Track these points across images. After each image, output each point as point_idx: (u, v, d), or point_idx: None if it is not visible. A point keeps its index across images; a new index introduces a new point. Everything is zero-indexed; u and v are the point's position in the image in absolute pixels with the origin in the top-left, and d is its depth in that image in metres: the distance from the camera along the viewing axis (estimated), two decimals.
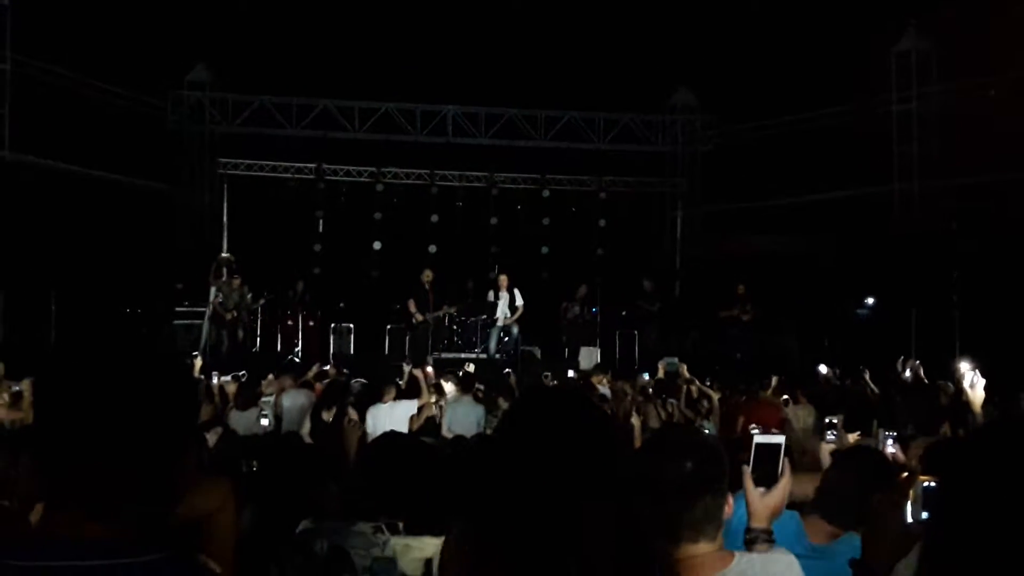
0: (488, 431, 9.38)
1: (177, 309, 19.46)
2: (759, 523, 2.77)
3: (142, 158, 20.98)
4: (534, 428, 1.99)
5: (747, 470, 2.79)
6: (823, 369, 12.20)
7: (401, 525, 3.59)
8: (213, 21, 20.22)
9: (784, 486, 2.79)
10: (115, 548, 1.58)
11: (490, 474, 1.99)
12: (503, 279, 18.19)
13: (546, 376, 12.62)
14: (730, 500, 2.66)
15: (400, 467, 3.85)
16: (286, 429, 9.49)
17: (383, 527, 3.52)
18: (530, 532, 1.85)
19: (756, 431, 6.91)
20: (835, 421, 6.11)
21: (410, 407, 9.82)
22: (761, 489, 2.78)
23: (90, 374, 1.64)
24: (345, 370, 14.37)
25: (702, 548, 2.53)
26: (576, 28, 21.14)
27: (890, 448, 5.19)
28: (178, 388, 1.73)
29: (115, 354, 1.70)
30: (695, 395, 11.49)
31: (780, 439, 2.83)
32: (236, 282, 18.63)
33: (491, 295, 18.43)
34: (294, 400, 10.48)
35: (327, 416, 9.15)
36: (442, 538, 3.29)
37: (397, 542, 3.44)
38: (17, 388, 10.18)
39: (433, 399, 10.27)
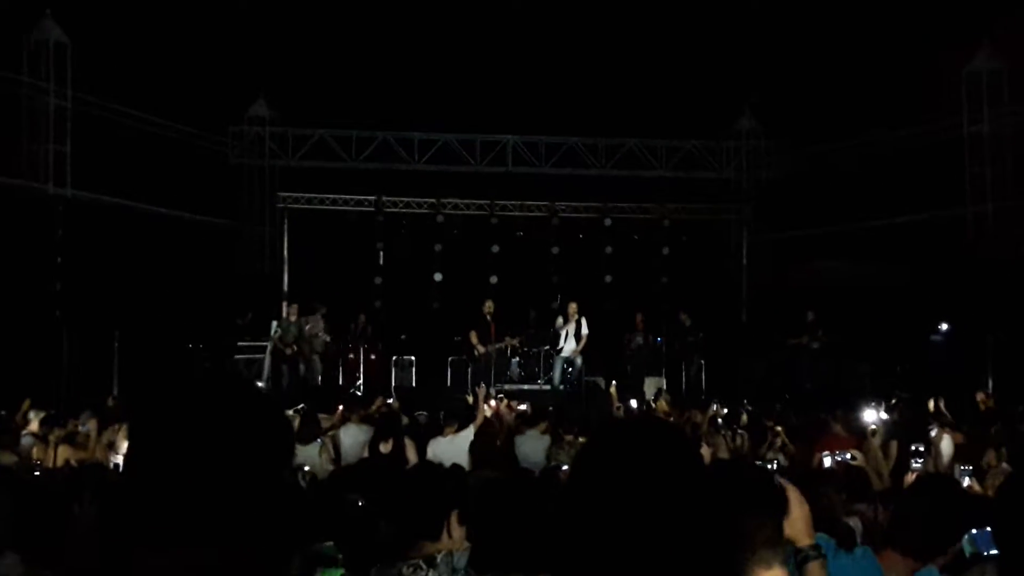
0: (555, 464, 9.31)
1: (239, 344, 19.65)
2: (804, 541, 2.74)
3: (203, 193, 21.31)
4: (618, 466, 1.87)
5: None
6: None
7: (439, 557, 3.58)
8: (272, 57, 20.53)
9: (794, 496, 2.74)
10: None
11: (571, 522, 1.93)
12: (573, 307, 18.01)
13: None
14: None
15: (439, 501, 3.85)
16: (344, 463, 9.51)
17: (421, 563, 3.51)
18: None
19: (827, 456, 6.82)
20: (921, 449, 6.06)
21: (469, 436, 9.80)
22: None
23: (193, 414, 1.66)
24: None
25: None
26: (637, 54, 21.16)
27: (966, 481, 5.09)
28: (276, 427, 1.74)
29: (215, 392, 1.72)
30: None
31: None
32: (294, 314, 18.74)
33: (559, 322, 18.29)
34: (354, 436, 10.47)
35: (385, 448, 9.15)
36: None
37: None
38: (84, 428, 10.34)
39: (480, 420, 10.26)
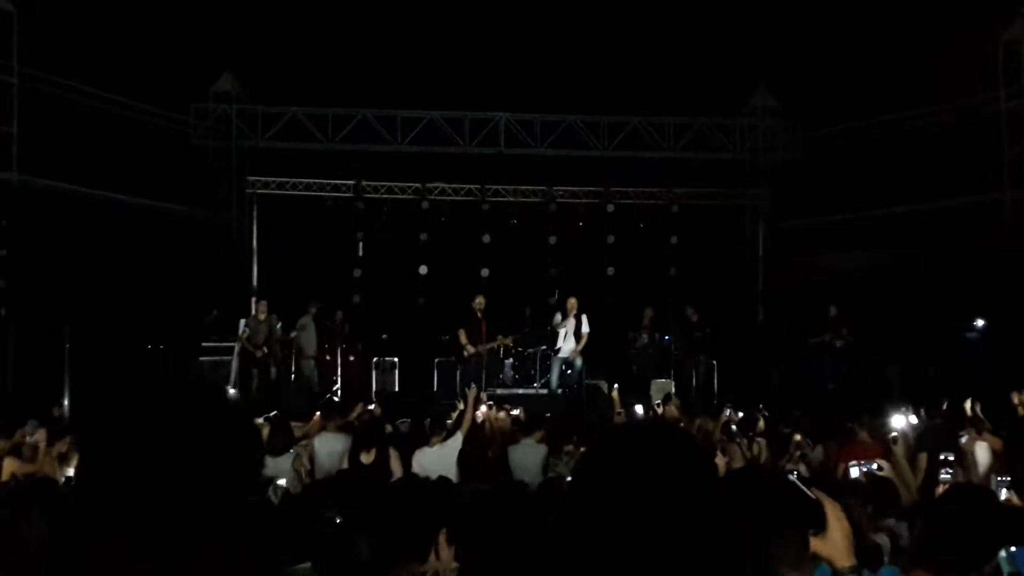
0: (553, 475, 9.33)
1: (204, 344, 19.61)
2: (843, 562, 2.74)
3: (164, 178, 21.18)
4: (624, 476, 1.85)
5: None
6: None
7: None
8: (240, 28, 20.41)
9: (833, 511, 2.74)
10: None
11: (572, 537, 1.91)
12: (572, 302, 17.98)
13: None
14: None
15: (425, 518, 3.86)
16: (320, 476, 9.52)
17: None
18: None
19: (855, 467, 6.87)
20: (951, 459, 6.10)
21: (457, 444, 9.83)
22: (811, 532, 2.74)
23: (150, 422, 1.67)
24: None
25: None
26: (642, 24, 21.10)
27: (1004, 493, 5.11)
28: (242, 437, 1.75)
29: (175, 399, 1.73)
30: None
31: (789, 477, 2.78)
32: (263, 312, 18.69)
33: (557, 318, 18.24)
34: (331, 445, 10.46)
35: (366, 459, 9.16)
36: None
37: None
38: (32, 439, 10.34)
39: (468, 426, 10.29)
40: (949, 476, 5.81)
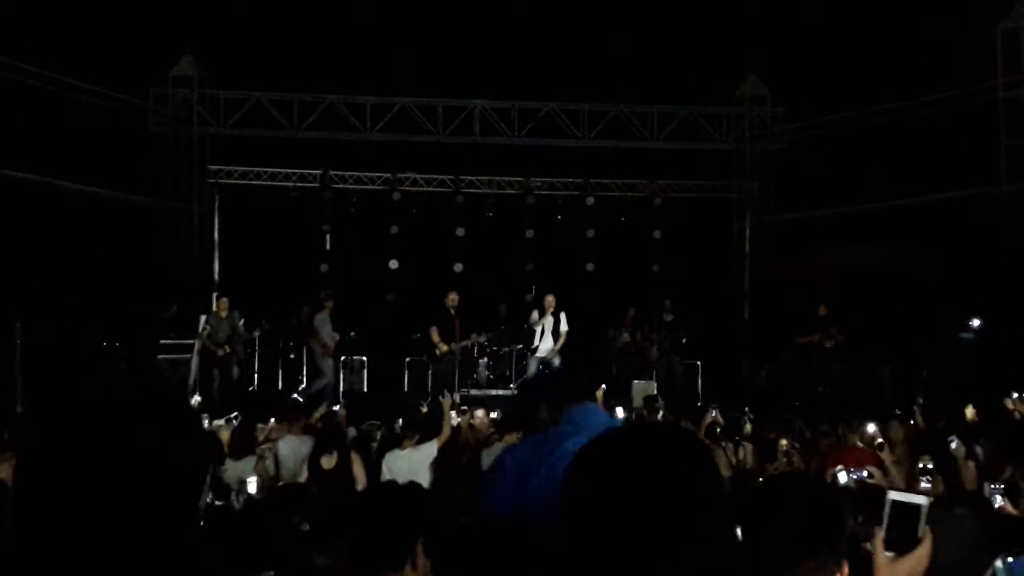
0: None
1: (162, 342, 19.51)
2: None
3: (120, 166, 21.05)
4: (624, 479, 1.83)
5: (879, 532, 2.71)
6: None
7: None
8: (201, 7, 20.31)
9: (923, 555, 2.71)
10: None
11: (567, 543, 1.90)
12: (550, 299, 17.92)
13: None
14: (844, 571, 2.59)
15: (404, 525, 3.84)
16: (283, 481, 9.52)
17: None
18: None
19: (842, 472, 6.88)
20: (929, 466, 6.13)
21: (431, 451, 9.81)
22: (890, 554, 2.71)
23: (92, 428, 1.66)
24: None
25: None
26: (625, 8, 21.11)
27: (999, 501, 5.15)
28: (193, 445, 1.75)
29: (119, 403, 1.72)
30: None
31: (922, 500, 2.74)
32: (224, 310, 18.52)
33: (534, 315, 18.17)
34: (295, 448, 10.45)
35: (327, 463, 9.16)
36: None
37: None
38: None
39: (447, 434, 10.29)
40: (928, 485, 5.85)
